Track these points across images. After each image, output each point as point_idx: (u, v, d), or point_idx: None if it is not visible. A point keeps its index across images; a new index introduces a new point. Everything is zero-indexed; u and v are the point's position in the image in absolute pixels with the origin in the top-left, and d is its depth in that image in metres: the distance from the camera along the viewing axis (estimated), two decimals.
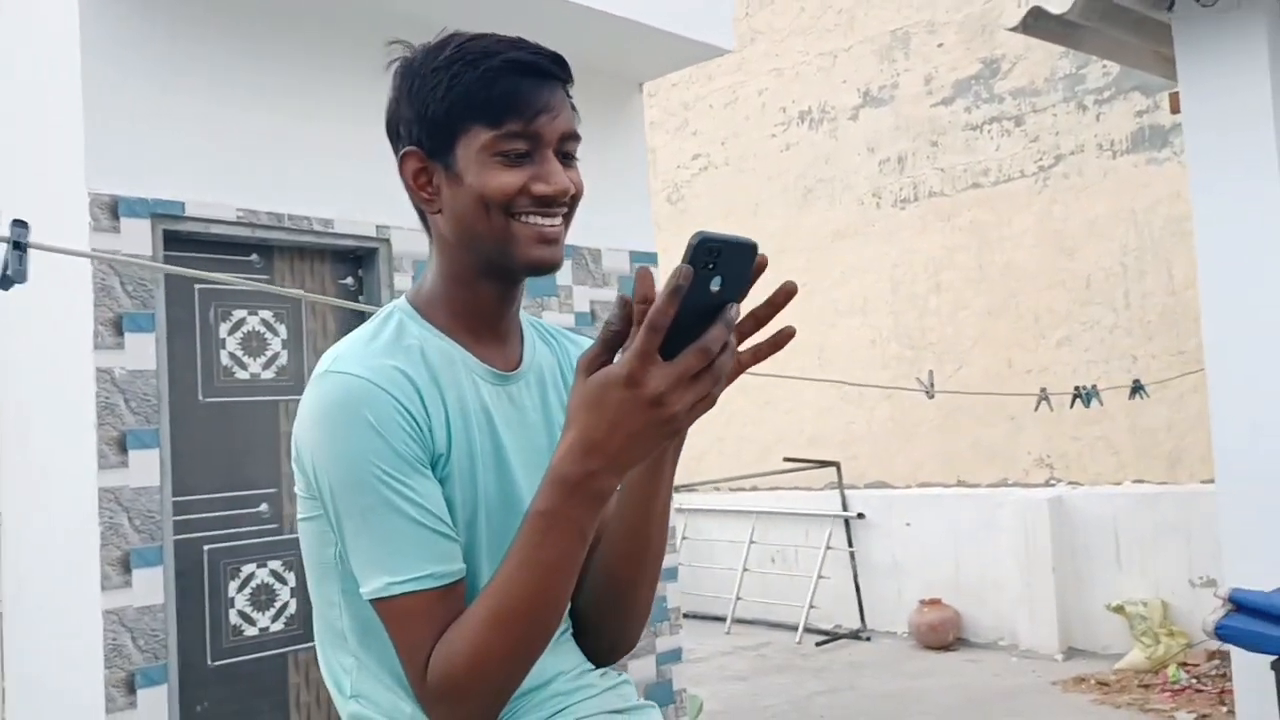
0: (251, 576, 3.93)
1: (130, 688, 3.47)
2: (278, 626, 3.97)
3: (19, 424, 3.93)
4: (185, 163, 3.79)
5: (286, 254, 4.15)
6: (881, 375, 7.73)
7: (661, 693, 5.09)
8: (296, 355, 4.12)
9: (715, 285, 0.97)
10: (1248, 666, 3.94)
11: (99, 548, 3.46)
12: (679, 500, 8.20)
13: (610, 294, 5.17)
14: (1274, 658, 3.40)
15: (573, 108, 1.26)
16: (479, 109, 1.19)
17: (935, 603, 7.22)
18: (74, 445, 3.57)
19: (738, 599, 8.16)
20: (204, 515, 3.83)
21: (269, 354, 4.06)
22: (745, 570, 8.24)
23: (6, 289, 2.21)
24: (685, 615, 6.68)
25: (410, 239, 4.23)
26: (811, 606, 7.76)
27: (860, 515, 7.90)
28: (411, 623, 1.13)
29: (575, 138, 1.25)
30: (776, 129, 8.84)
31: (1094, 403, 5.44)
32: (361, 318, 3.79)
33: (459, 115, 1.20)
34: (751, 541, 8.34)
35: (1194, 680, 5.81)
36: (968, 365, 7.54)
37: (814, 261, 8.41)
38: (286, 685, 3.98)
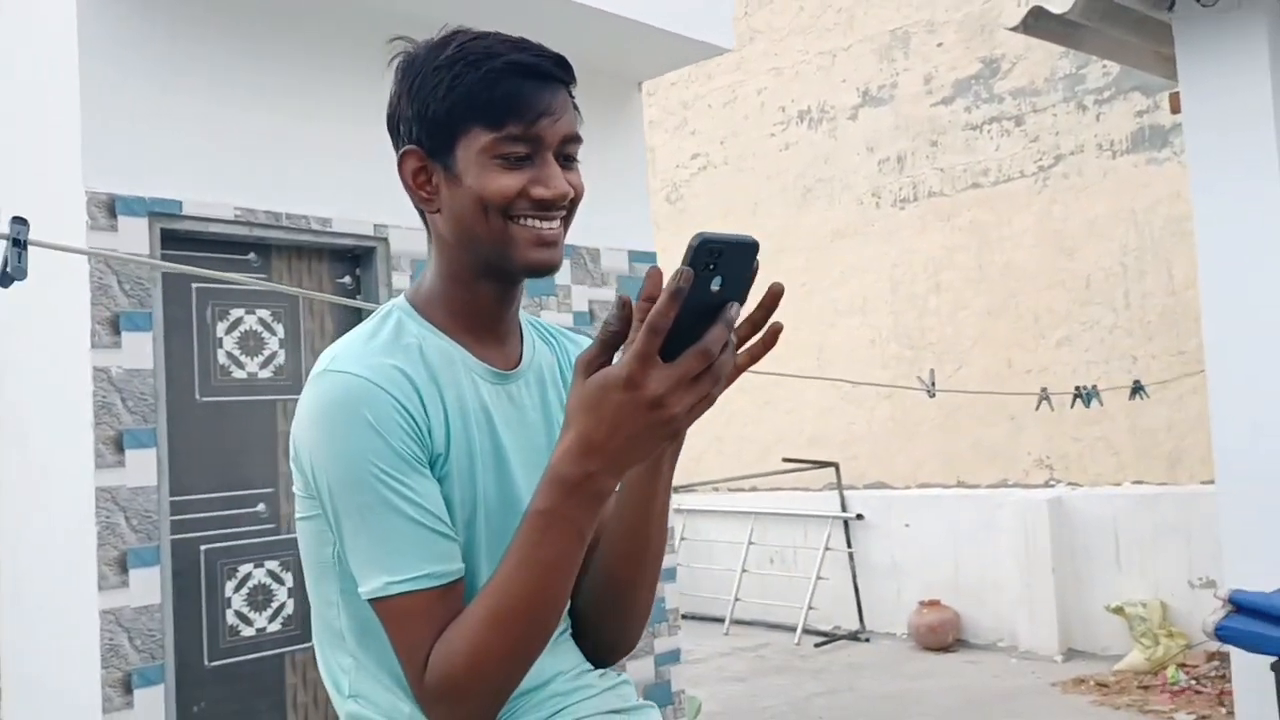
0: (249, 577, 3.92)
1: (127, 688, 3.46)
2: (275, 627, 3.96)
3: (16, 423, 3.92)
4: (183, 161, 3.78)
5: (284, 253, 4.14)
6: (881, 375, 7.73)
7: (660, 693, 5.08)
8: (294, 355, 4.11)
9: (716, 285, 0.97)
10: (1247, 667, 3.93)
11: (96, 547, 3.45)
12: (678, 500, 8.20)
13: (609, 293, 5.16)
14: (1274, 659, 3.39)
15: (575, 109, 1.25)
16: (480, 111, 1.18)
17: (934, 604, 7.21)
18: (71, 444, 3.56)
19: (736, 600, 8.16)
20: (201, 515, 3.82)
21: (266, 353, 4.05)
22: (744, 571, 8.23)
23: (6, 286, 2.20)
24: (684, 616, 6.68)
25: (408, 238, 4.22)
26: (810, 607, 7.75)
27: (859, 516, 7.90)
28: (410, 622, 1.13)
29: (576, 140, 1.24)
30: (776, 128, 8.83)
31: (1094, 403, 5.43)
32: (360, 316, 3.78)
33: (460, 116, 1.19)
34: (750, 542, 8.33)
35: (1193, 681, 5.80)
36: (967, 365, 7.53)
37: (813, 261, 8.40)
38: (284, 686, 3.97)
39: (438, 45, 1.23)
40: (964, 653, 7.04)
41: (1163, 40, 4.39)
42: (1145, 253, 6.80)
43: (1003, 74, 7.52)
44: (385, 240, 4.28)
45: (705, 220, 9.03)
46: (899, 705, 5.95)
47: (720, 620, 8.18)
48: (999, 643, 7.08)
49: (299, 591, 3.94)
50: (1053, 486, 7.09)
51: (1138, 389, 5.60)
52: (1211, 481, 4.66)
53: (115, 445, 3.52)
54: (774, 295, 1.04)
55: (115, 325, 3.55)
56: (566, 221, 1.25)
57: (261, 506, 3.96)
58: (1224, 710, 5.23)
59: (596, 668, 1.36)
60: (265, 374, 4.04)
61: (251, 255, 4.05)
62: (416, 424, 1.17)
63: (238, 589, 3.89)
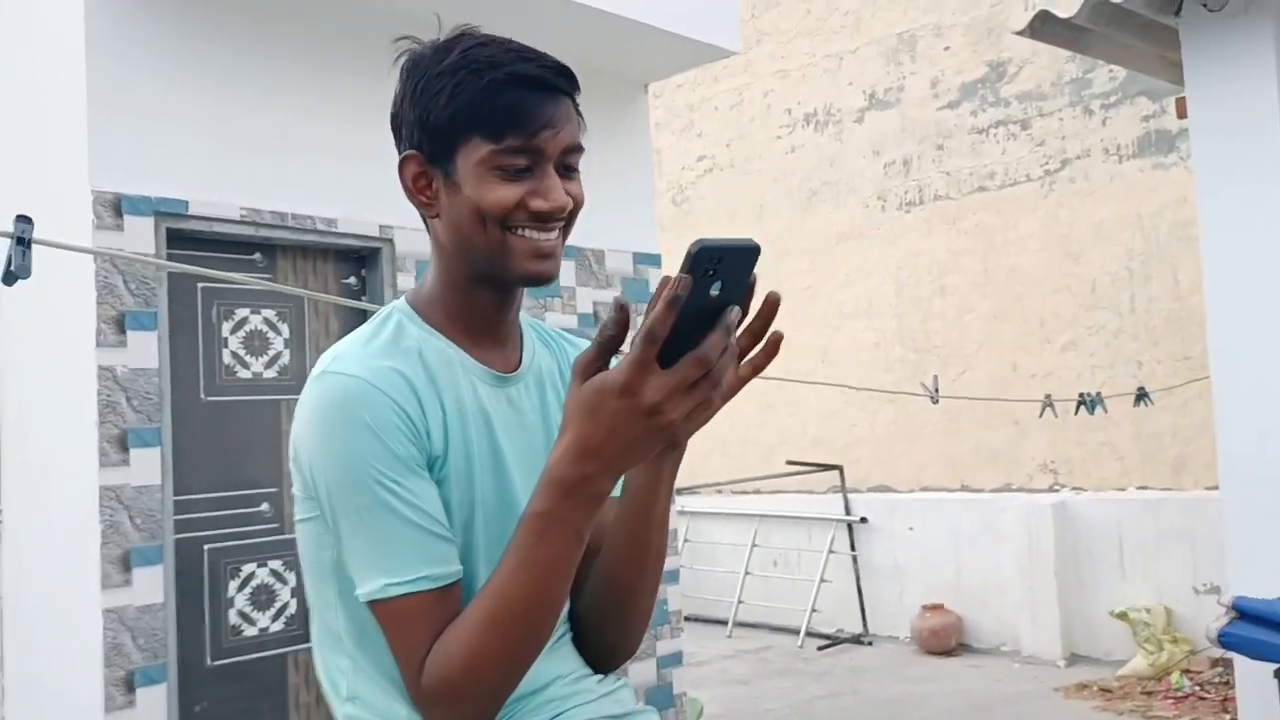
0: (252, 576, 3.93)
1: (129, 687, 3.47)
2: (278, 626, 3.97)
3: (20, 421, 3.93)
4: (189, 161, 3.78)
5: (290, 253, 4.15)
6: (885, 379, 7.72)
7: (661, 696, 5.08)
8: (299, 355, 4.11)
9: (715, 290, 0.96)
10: (1251, 674, 3.91)
11: (99, 546, 3.46)
12: (682, 503, 8.19)
13: (613, 295, 5.16)
14: (1277, 666, 3.38)
15: (579, 116, 1.25)
16: (480, 121, 1.18)
17: (937, 608, 7.20)
18: (75, 443, 3.57)
19: (740, 602, 8.15)
20: (205, 514, 3.82)
21: (271, 353, 4.06)
22: (747, 573, 8.23)
23: (10, 285, 2.21)
24: (687, 618, 6.67)
25: (413, 239, 4.23)
26: (813, 610, 7.75)
27: (863, 519, 7.89)
28: (408, 625, 1.13)
29: (578, 150, 1.24)
30: (782, 131, 8.83)
31: (1098, 410, 5.42)
32: (364, 317, 3.78)
33: (460, 125, 1.19)
34: (754, 545, 8.32)
35: (1197, 687, 5.79)
36: (972, 369, 7.52)
37: (819, 264, 8.40)
38: (286, 685, 3.97)
39: (442, 49, 1.22)
40: (967, 657, 7.03)
41: (1169, 45, 4.38)
42: (1151, 257, 6.79)
43: (1009, 78, 7.51)
44: (390, 241, 4.28)
45: (711, 222, 9.03)
46: (901, 709, 5.95)
47: (723, 623, 8.17)
48: (1002, 647, 7.07)
49: (302, 591, 3.93)
50: (1057, 491, 7.08)
51: (1142, 396, 5.59)
52: (1216, 487, 4.64)
53: (119, 444, 3.53)
54: (771, 304, 1.05)
55: (120, 324, 3.56)
56: (566, 231, 1.25)
57: (265, 506, 3.97)
58: (1228, 717, 5.22)
59: (597, 673, 1.36)
60: (270, 374, 4.05)
61: (257, 255, 4.06)
62: (415, 426, 1.17)
63: (241, 588, 3.89)
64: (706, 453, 8.67)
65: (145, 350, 3.60)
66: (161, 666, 3.54)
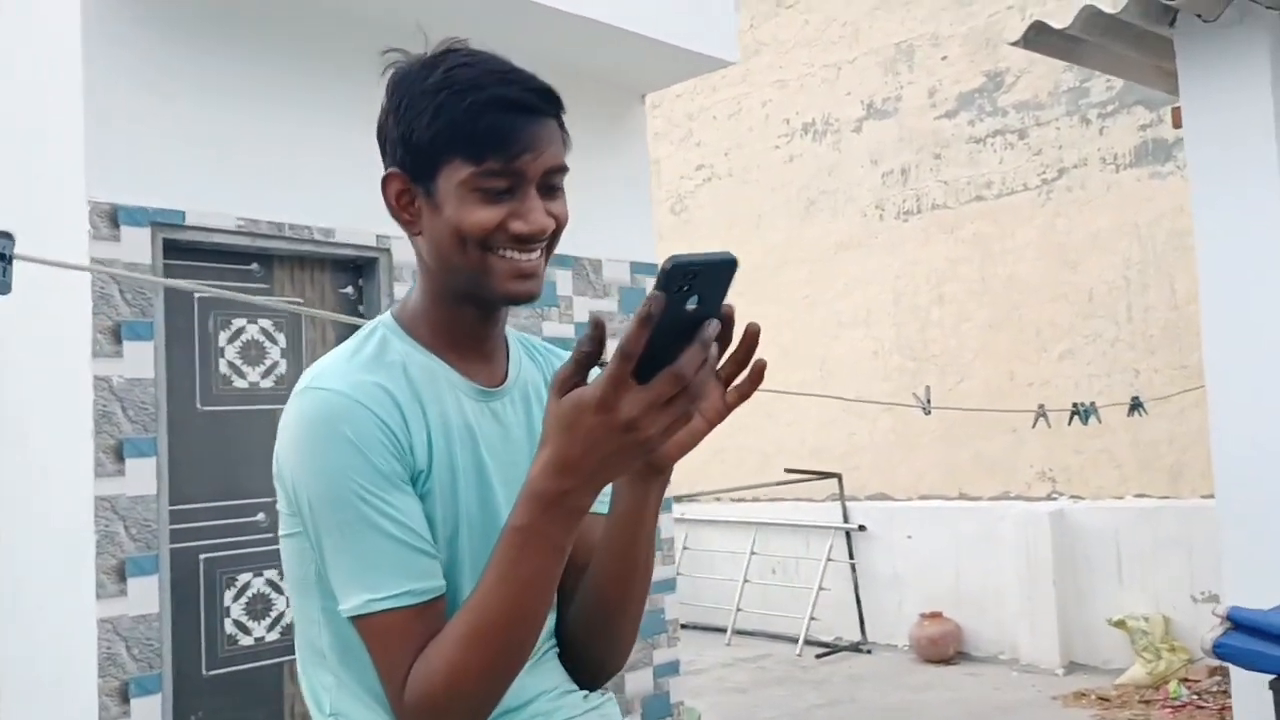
0: (247, 586, 3.93)
1: (124, 697, 3.47)
2: (273, 636, 3.97)
3: (16, 431, 3.93)
4: (186, 171, 3.79)
5: (287, 263, 4.15)
6: (883, 387, 7.72)
7: (658, 705, 5.08)
8: (295, 364, 4.12)
9: (692, 305, 0.97)
10: (1247, 684, 3.91)
11: (94, 556, 3.46)
12: (680, 510, 8.19)
13: (611, 305, 5.16)
14: (1272, 676, 3.37)
15: (563, 137, 1.24)
16: (461, 143, 1.18)
17: (936, 616, 7.19)
18: (71, 453, 3.57)
19: (738, 610, 8.15)
20: (200, 524, 3.83)
21: (268, 363, 4.07)
22: (746, 581, 8.22)
23: None
24: (685, 626, 6.67)
25: (410, 249, 4.19)
26: (812, 618, 7.74)
27: (861, 527, 7.89)
28: (390, 640, 1.13)
29: (561, 170, 1.24)
30: (780, 140, 8.84)
31: (1091, 419, 5.43)
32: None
33: (441, 146, 1.19)
34: (752, 553, 8.32)
35: (1195, 696, 5.78)
36: (969, 378, 7.52)
37: (817, 273, 8.40)
38: (282, 695, 3.97)
39: (427, 65, 1.22)
40: (965, 665, 7.03)
41: (1164, 55, 4.39)
42: (1148, 266, 6.79)
43: (1006, 87, 7.52)
44: (388, 251, 4.30)
45: (710, 231, 9.04)
46: (900, 717, 5.94)
47: (722, 630, 8.17)
48: (1000, 655, 7.07)
49: None
50: (1055, 499, 7.07)
51: (1136, 405, 5.59)
52: (1213, 495, 4.65)
53: (115, 454, 3.53)
54: (752, 335, 1.07)
55: (117, 334, 3.56)
56: (549, 251, 1.25)
57: (261, 516, 3.97)
58: None
59: (583, 689, 1.36)
60: (267, 384, 4.05)
61: (254, 265, 4.07)
62: (398, 440, 1.18)
63: (236, 598, 3.89)
64: (705, 461, 8.66)
65: (141, 360, 3.61)
66: (156, 677, 3.54)
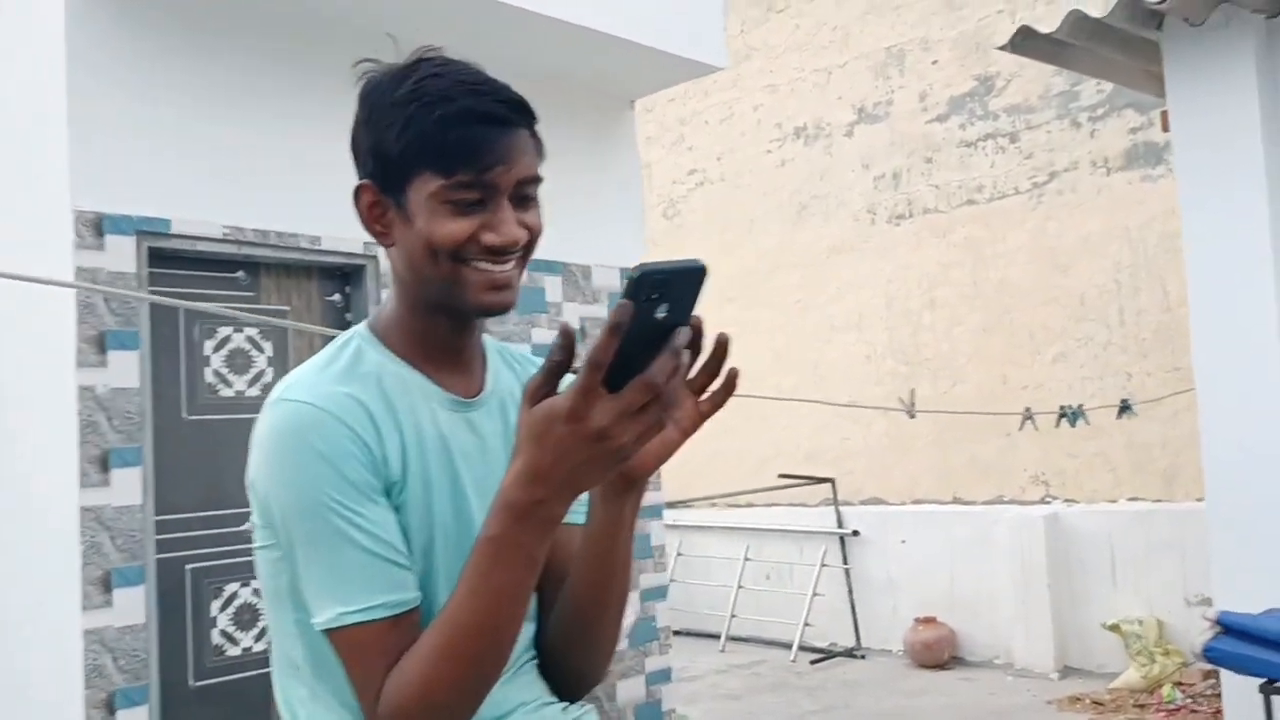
0: (235, 596, 3.91)
1: (110, 708, 3.44)
2: (261, 646, 3.95)
3: (0, 442, 3.91)
4: (171, 180, 3.78)
5: (273, 271, 4.14)
6: (876, 391, 7.71)
7: (650, 713, 5.06)
8: (282, 373, 4.09)
9: (662, 313, 0.96)
10: (1238, 689, 3.90)
11: (80, 567, 3.44)
12: (673, 516, 8.17)
13: (600, 310, 5.15)
14: (1263, 680, 3.36)
15: (536, 146, 1.23)
16: (431, 156, 1.17)
17: (930, 621, 7.18)
18: (55, 463, 3.55)
19: (732, 616, 8.13)
20: (187, 534, 3.81)
21: (254, 371, 4.05)
22: (740, 587, 8.20)
23: None
24: (679, 633, 6.65)
25: None
26: (806, 624, 7.73)
27: (855, 532, 7.87)
28: (364, 653, 1.13)
29: (534, 181, 1.23)
30: (772, 145, 8.84)
31: (1080, 422, 5.42)
32: None
33: (411, 159, 1.18)
34: (746, 558, 8.31)
35: (1189, 700, 5.77)
36: (962, 382, 7.52)
37: (809, 277, 8.40)
38: (270, 706, 3.94)
39: (398, 76, 1.21)
40: (959, 670, 7.01)
41: (1151, 59, 4.39)
42: (1139, 269, 6.79)
43: (997, 91, 7.53)
44: (375, 258, 4.28)
45: (702, 236, 9.03)
46: None
47: (716, 637, 8.15)
48: (995, 660, 7.05)
49: None
50: (1049, 503, 7.07)
51: (1125, 408, 5.59)
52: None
53: (100, 464, 3.51)
54: (722, 345, 1.08)
55: (101, 344, 3.55)
56: (523, 262, 1.24)
57: (248, 525, 3.93)
58: None
59: (563, 701, 1.35)
60: (253, 392, 4.03)
61: (240, 273, 4.05)
62: (371, 452, 1.17)
63: (224, 608, 3.87)
64: (698, 466, 8.65)
65: (126, 369, 3.59)
66: (143, 688, 3.52)
